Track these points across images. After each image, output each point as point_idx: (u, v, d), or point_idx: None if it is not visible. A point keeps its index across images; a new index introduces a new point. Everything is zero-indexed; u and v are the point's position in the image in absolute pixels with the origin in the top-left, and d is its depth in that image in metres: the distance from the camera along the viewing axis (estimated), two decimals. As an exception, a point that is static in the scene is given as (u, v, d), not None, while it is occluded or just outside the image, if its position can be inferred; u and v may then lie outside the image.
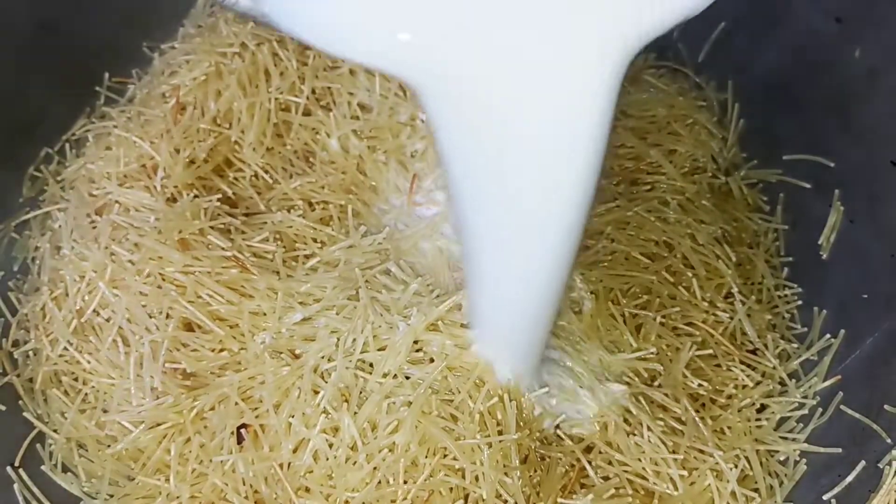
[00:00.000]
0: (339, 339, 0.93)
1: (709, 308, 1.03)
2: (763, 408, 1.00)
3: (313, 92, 1.13)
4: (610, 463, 0.93)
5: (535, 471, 0.91)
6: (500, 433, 0.88)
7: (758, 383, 1.00)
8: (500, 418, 0.88)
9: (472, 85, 0.57)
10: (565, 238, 0.66)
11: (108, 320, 0.97)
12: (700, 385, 0.99)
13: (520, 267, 0.72)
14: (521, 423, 0.90)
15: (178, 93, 1.09)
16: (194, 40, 1.16)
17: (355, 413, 0.88)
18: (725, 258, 1.07)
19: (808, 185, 1.13)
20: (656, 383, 0.98)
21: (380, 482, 0.86)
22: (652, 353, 0.99)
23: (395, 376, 0.91)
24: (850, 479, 0.90)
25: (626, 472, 0.93)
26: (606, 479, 0.92)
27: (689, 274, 1.05)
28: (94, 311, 0.98)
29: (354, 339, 0.93)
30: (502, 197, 0.65)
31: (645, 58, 1.20)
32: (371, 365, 0.92)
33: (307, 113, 1.12)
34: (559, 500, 0.90)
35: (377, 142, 1.12)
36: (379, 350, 0.92)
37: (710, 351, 1.01)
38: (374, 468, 0.86)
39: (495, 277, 0.77)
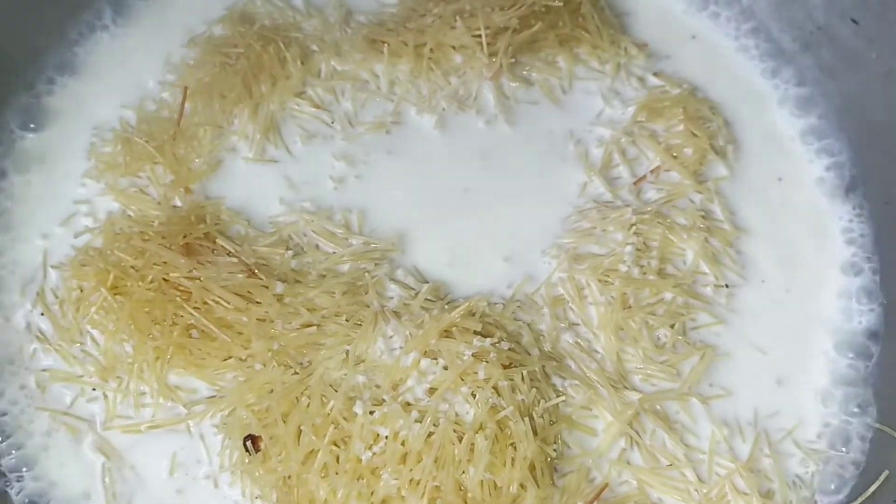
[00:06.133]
0: (349, 347, 0.91)
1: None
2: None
3: (317, 93, 1.12)
4: (627, 476, 0.91)
5: (552, 483, 0.89)
6: (513, 445, 0.86)
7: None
8: (513, 430, 0.86)
9: None
10: None
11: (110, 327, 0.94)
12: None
13: None
14: (535, 433, 0.88)
15: (184, 93, 1.07)
16: (200, 40, 1.14)
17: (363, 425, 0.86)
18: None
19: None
20: (673, 392, 0.96)
21: (392, 497, 0.84)
22: (668, 360, 0.97)
23: (406, 385, 0.88)
24: (873, 488, 0.89)
25: (643, 483, 0.91)
26: (624, 492, 0.91)
27: (703, 279, 1.03)
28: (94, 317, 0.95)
29: (365, 347, 0.91)
30: None
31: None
32: (382, 373, 0.89)
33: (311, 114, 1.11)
34: (576, 511, 0.88)
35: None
36: (390, 358, 0.89)
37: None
38: (384, 481, 0.84)
39: None
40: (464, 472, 0.84)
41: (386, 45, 1.12)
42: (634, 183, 1.09)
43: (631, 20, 1.23)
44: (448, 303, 0.97)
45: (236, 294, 0.93)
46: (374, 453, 0.85)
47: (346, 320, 0.94)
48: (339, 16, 1.18)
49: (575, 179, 1.09)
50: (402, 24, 1.14)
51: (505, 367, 0.89)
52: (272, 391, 0.90)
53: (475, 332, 0.91)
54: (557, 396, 0.92)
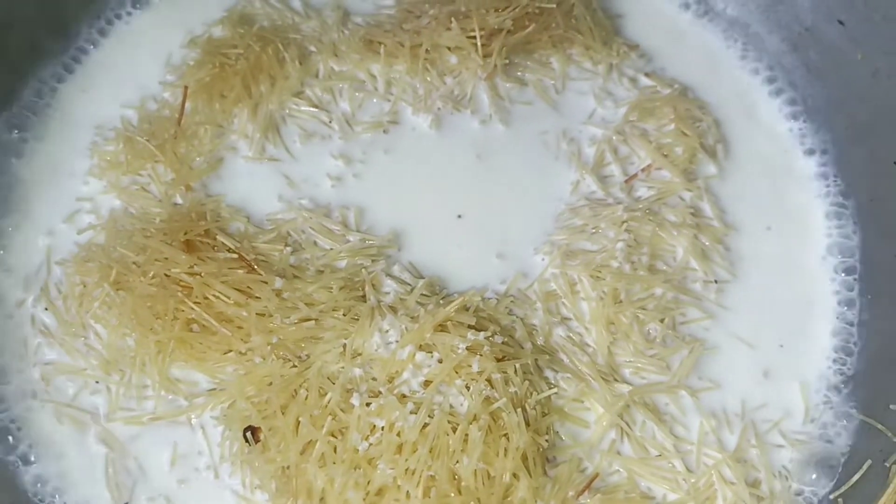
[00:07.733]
0: (346, 341, 0.93)
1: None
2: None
3: (315, 93, 1.14)
4: (617, 466, 0.93)
5: (544, 473, 0.91)
6: (506, 436, 0.88)
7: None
8: (506, 421, 0.88)
9: None
10: None
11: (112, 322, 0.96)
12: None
13: None
14: (528, 424, 0.90)
15: (184, 93, 1.09)
16: (200, 41, 1.16)
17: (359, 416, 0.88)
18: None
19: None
20: (662, 384, 0.98)
21: (388, 486, 0.86)
22: (658, 354, 0.99)
23: (402, 378, 0.90)
24: (856, 477, 0.91)
25: (633, 473, 0.93)
26: (614, 482, 0.93)
27: (693, 275, 1.05)
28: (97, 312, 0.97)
29: (362, 341, 0.92)
30: None
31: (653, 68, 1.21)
32: (378, 366, 0.91)
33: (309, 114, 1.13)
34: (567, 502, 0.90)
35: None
36: (386, 351, 0.92)
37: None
38: (380, 471, 0.86)
39: None
40: (458, 462, 0.86)
41: (382, 45, 1.14)
42: (626, 181, 1.11)
43: (623, 22, 1.25)
44: (443, 298, 0.99)
45: (236, 289, 0.95)
46: (370, 444, 0.87)
47: (344, 315, 0.96)
48: (337, 17, 1.19)
49: (567, 178, 1.11)
50: (398, 25, 1.16)
51: (498, 360, 0.91)
52: (271, 384, 0.92)
53: (469, 327, 0.93)
54: (550, 389, 0.94)
